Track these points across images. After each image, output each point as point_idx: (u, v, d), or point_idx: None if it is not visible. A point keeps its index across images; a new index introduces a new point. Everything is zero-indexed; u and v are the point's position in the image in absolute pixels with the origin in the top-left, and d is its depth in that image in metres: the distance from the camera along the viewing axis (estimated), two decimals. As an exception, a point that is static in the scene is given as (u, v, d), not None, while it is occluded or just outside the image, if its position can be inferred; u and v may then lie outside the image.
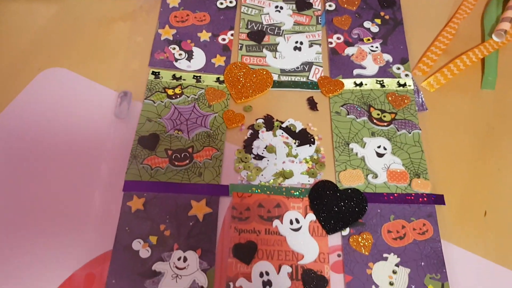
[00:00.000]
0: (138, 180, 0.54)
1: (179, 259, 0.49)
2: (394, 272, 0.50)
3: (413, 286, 0.49)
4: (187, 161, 0.56)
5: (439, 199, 0.54)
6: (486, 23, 0.69)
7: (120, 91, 0.60)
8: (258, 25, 0.68)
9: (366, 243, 0.51)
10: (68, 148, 0.57)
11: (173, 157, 0.56)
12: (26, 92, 0.61)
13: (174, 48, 0.65)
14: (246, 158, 0.56)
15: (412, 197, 0.54)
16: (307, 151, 0.58)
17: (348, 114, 0.60)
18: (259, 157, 0.57)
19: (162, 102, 0.60)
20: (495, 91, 0.63)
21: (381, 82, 0.63)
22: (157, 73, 0.63)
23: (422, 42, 0.68)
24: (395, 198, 0.54)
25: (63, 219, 0.52)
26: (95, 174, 0.55)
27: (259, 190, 0.54)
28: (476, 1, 0.72)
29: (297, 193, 0.54)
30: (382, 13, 0.70)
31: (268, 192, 0.54)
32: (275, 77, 0.63)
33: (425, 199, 0.54)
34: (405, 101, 0.61)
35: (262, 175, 0.55)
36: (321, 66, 0.65)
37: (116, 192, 0.53)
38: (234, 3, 0.70)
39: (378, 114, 0.60)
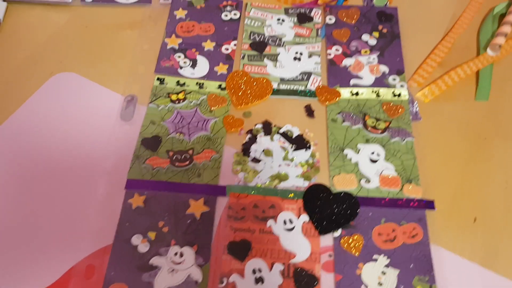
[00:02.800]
0: (140, 179, 0.57)
1: (175, 254, 0.51)
2: (383, 273, 0.51)
3: (402, 287, 0.50)
4: (187, 162, 0.58)
5: (429, 204, 0.55)
6: (482, 38, 0.71)
7: (127, 95, 0.64)
8: (260, 36, 0.71)
9: (357, 245, 0.53)
10: (75, 148, 0.60)
11: (174, 158, 0.59)
12: (38, 95, 0.64)
13: (179, 56, 0.68)
14: (244, 160, 0.59)
15: (403, 202, 0.56)
16: (303, 155, 0.60)
17: (344, 122, 0.63)
18: (256, 160, 0.59)
19: (165, 106, 0.63)
20: (488, 103, 0.65)
21: (377, 92, 0.65)
22: (162, 79, 0.66)
23: (418, 55, 0.70)
24: (387, 202, 0.56)
25: (67, 214, 0.54)
26: (100, 172, 0.57)
27: (255, 191, 0.56)
28: (473, 17, 0.74)
29: (292, 195, 0.56)
30: (380, 27, 0.72)
31: (263, 194, 0.56)
32: (275, 85, 0.66)
33: (416, 203, 0.55)
34: (400, 110, 0.63)
35: (258, 177, 0.58)
36: (319, 76, 0.67)
37: (118, 189, 0.56)
38: (238, 16, 0.73)
39: (373, 122, 0.62)
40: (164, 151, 0.59)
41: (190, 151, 0.59)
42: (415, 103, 0.64)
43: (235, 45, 0.70)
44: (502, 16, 0.74)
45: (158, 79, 0.66)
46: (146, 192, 0.56)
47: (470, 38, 0.72)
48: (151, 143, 0.60)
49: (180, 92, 0.65)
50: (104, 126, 0.61)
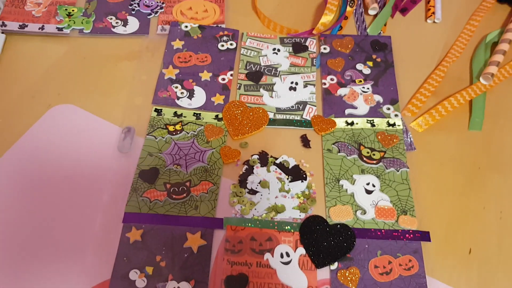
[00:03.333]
0: (137, 212, 0.57)
1: (173, 289, 0.52)
2: (380, 306, 0.51)
3: (398, 321, 0.51)
4: (184, 195, 0.59)
5: (425, 236, 0.56)
6: (474, 66, 0.72)
7: (124, 127, 0.64)
8: (256, 66, 0.72)
9: (354, 278, 0.53)
10: (73, 181, 0.60)
11: (171, 191, 0.59)
12: (36, 127, 0.64)
13: (176, 87, 0.69)
14: (240, 192, 0.59)
15: (399, 233, 0.56)
16: (299, 186, 0.60)
17: (339, 152, 0.63)
18: (253, 192, 0.59)
19: (163, 138, 0.64)
20: (482, 132, 0.66)
21: (372, 121, 0.66)
22: (159, 110, 0.66)
23: (412, 84, 0.71)
24: (382, 234, 0.56)
25: (65, 248, 0.54)
26: (97, 205, 0.58)
27: (252, 224, 0.57)
28: (465, 45, 0.75)
29: (288, 227, 0.56)
30: (374, 56, 0.73)
31: (260, 226, 0.56)
32: (271, 115, 0.67)
33: (411, 235, 0.56)
34: (394, 140, 0.64)
35: (255, 209, 0.58)
36: (315, 106, 0.68)
37: (116, 223, 0.56)
38: (234, 46, 0.74)
39: (368, 152, 0.63)
40: (161, 183, 0.60)
41: (187, 183, 0.60)
42: (409, 133, 0.65)
43: (231, 75, 0.71)
44: (495, 44, 0.75)
45: (155, 110, 0.67)
46: (143, 225, 0.56)
47: (463, 67, 0.73)
48: (148, 176, 0.60)
49: (178, 123, 0.65)
50: (102, 159, 0.62)
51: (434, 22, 0.79)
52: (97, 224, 0.56)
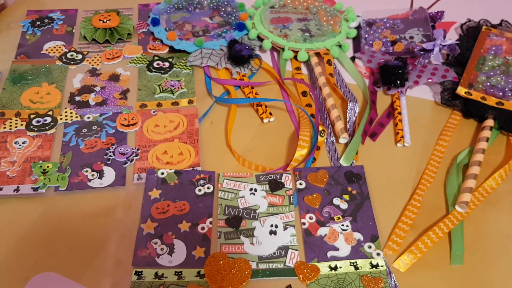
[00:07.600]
0: None
1: None
2: None
3: None
4: None
5: None
6: (448, 192, 0.74)
7: (105, 298, 0.63)
8: (235, 209, 0.72)
9: None
10: None
11: None
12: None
13: (156, 243, 0.68)
14: None
15: None
16: None
17: (325, 303, 0.63)
18: None
19: (145, 306, 0.62)
20: (464, 266, 0.66)
21: (355, 264, 0.66)
22: (140, 273, 0.65)
23: (390, 216, 0.72)
24: None
25: None
26: None
27: None
28: (437, 169, 0.77)
29: None
30: (349, 188, 0.74)
31: None
32: (253, 266, 0.66)
33: None
34: (380, 284, 0.64)
35: None
36: (297, 250, 0.68)
37: None
38: (211, 189, 0.75)
39: (355, 302, 0.63)
40: None
41: None
42: (392, 274, 0.65)
43: (210, 222, 0.71)
44: (466, 165, 0.77)
45: (136, 273, 0.65)
46: None
47: (437, 193, 0.74)
48: None
49: (159, 286, 0.64)
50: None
51: (404, 145, 0.81)
52: None
